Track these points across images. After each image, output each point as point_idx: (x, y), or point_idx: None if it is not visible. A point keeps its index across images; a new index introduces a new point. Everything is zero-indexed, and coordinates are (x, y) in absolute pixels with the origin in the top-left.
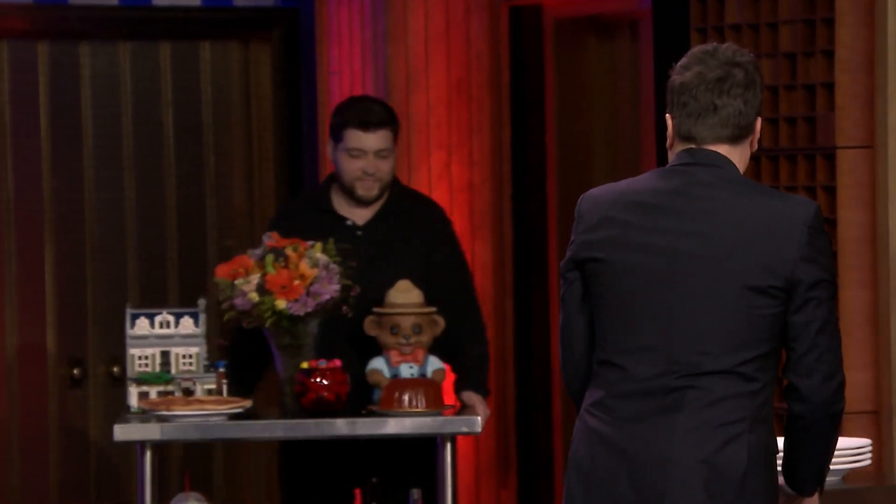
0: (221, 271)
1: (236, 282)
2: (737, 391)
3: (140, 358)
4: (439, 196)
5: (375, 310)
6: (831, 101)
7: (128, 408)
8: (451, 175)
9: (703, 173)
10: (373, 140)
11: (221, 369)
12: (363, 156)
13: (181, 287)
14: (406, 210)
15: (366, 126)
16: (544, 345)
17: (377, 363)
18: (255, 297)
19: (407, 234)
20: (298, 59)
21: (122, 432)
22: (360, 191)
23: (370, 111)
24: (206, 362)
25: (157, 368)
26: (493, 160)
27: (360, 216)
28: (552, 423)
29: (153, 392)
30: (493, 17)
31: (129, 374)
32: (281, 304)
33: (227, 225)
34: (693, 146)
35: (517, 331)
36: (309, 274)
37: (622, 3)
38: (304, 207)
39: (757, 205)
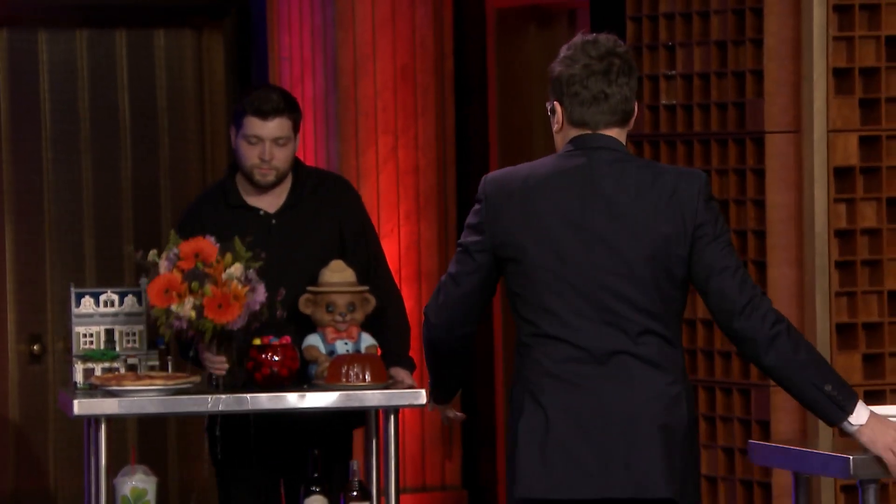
0: (154, 295)
1: (172, 307)
2: (666, 353)
3: (85, 336)
4: (386, 177)
5: (310, 288)
6: (760, 87)
7: (74, 384)
8: (398, 158)
9: (604, 154)
10: (269, 128)
11: (162, 346)
12: (260, 143)
13: (135, 266)
14: (313, 190)
15: (263, 114)
16: (486, 320)
17: (313, 339)
18: (192, 315)
19: (318, 213)
20: (250, 46)
21: (80, 407)
22: (257, 176)
23: (268, 99)
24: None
25: (102, 346)
26: (438, 144)
27: (270, 204)
28: (495, 397)
29: (98, 369)
30: (437, 6)
31: (75, 351)
32: (218, 326)
33: (180, 206)
34: (588, 131)
35: None
36: (240, 292)
37: None
38: (214, 204)
39: (656, 178)
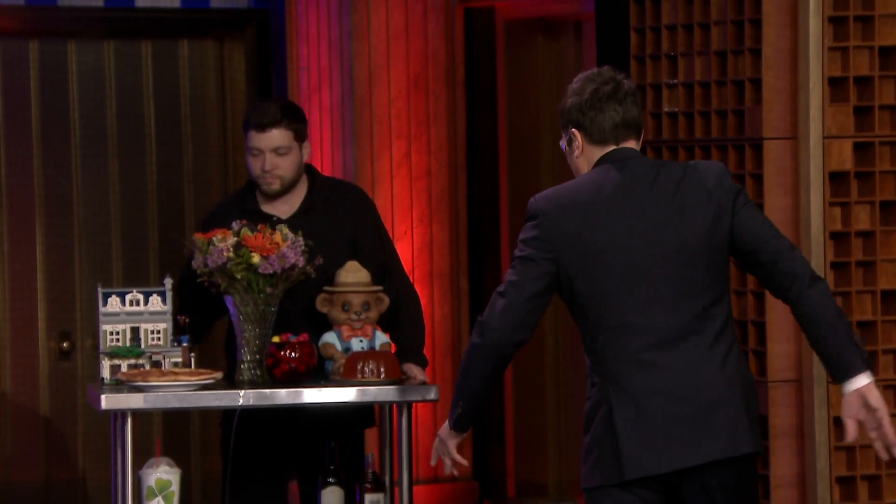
0: (199, 235)
1: (213, 238)
2: (726, 323)
3: (112, 333)
4: (400, 182)
5: (326, 288)
6: (758, 95)
7: (101, 380)
8: (411, 163)
9: (636, 161)
10: (266, 139)
11: (185, 344)
12: (261, 154)
13: (160, 266)
14: (326, 199)
15: (260, 127)
16: None
17: (329, 337)
18: (230, 253)
19: (331, 220)
20: (269, 56)
21: (108, 402)
22: (263, 186)
23: (265, 112)
24: (172, 337)
25: (128, 343)
26: (449, 149)
27: (283, 211)
28: (504, 392)
29: (124, 365)
30: (449, 18)
31: (102, 348)
32: (255, 258)
33: (203, 209)
34: (612, 146)
35: (471, 306)
36: (281, 242)
37: (567, 5)
38: (231, 209)
39: (685, 171)
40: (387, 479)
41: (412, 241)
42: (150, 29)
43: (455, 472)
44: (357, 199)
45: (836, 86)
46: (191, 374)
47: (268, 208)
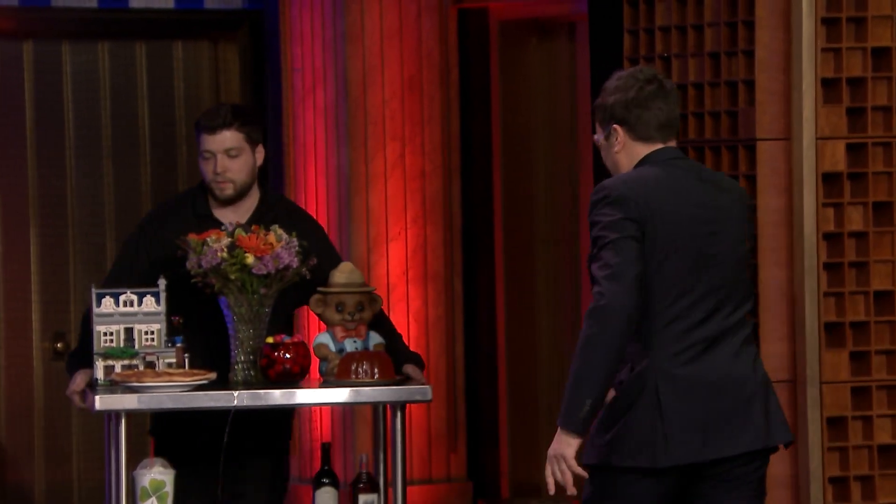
0: (193, 236)
1: (208, 239)
2: (750, 325)
3: (105, 334)
4: (394, 183)
5: (321, 289)
6: (751, 96)
7: (94, 381)
8: (405, 164)
9: (682, 163)
10: (218, 141)
11: (179, 344)
12: (212, 157)
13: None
14: (276, 215)
15: (210, 129)
16: (490, 320)
17: (323, 338)
18: (224, 254)
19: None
20: (264, 57)
21: (102, 402)
22: (216, 191)
23: (215, 115)
24: (165, 338)
25: (122, 344)
26: (443, 150)
27: (232, 219)
28: (498, 392)
29: (118, 366)
30: (443, 19)
31: (96, 349)
32: (250, 258)
33: None
34: (659, 145)
35: (465, 308)
36: (275, 243)
37: (561, 6)
38: (180, 212)
39: (720, 177)
40: (381, 479)
41: (406, 243)
42: (144, 30)
43: (574, 491)
44: (304, 216)
45: (829, 87)
46: (185, 374)
47: (219, 214)
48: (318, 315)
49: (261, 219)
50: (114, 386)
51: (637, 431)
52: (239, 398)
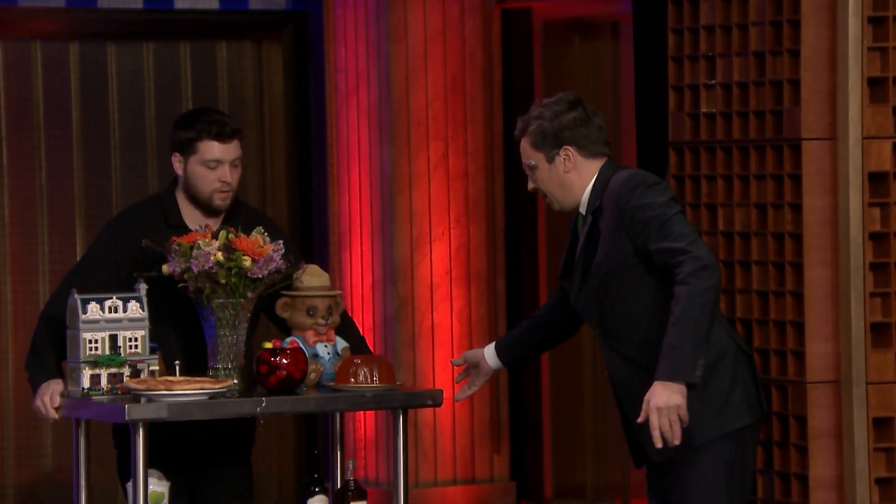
0: (182, 239)
1: (200, 242)
2: None
3: (91, 342)
4: (437, 183)
5: (287, 293)
6: (796, 96)
7: (82, 390)
8: (448, 164)
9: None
10: (229, 150)
11: (158, 352)
12: (220, 166)
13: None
14: (244, 225)
15: (222, 137)
16: None
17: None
18: (219, 256)
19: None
20: (307, 58)
21: (132, 412)
22: (217, 201)
23: (224, 123)
24: (151, 345)
25: (107, 351)
26: (486, 150)
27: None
28: (541, 392)
29: (104, 374)
30: (486, 19)
31: (82, 357)
32: (247, 262)
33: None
34: (605, 160)
35: (509, 306)
36: (266, 245)
37: (605, 6)
38: (148, 221)
39: None
40: (400, 483)
41: (449, 243)
42: (188, 30)
43: (678, 442)
44: (269, 224)
45: (875, 86)
46: (204, 382)
47: (192, 224)
48: (286, 319)
49: (230, 224)
50: (120, 394)
51: (737, 391)
52: (267, 405)
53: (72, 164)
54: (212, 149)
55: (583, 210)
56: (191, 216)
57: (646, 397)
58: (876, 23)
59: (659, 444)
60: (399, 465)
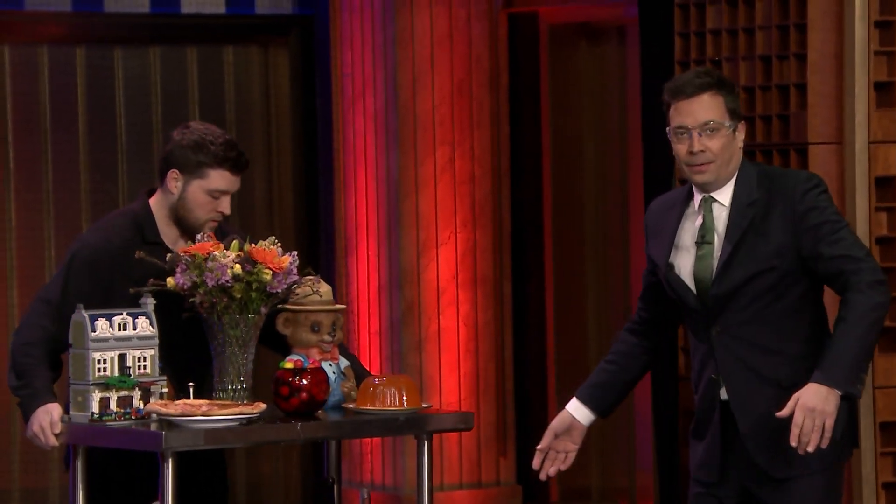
0: (193, 250)
1: (216, 253)
2: None
3: (100, 361)
4: (443, 187)
5: (290, 307)
6: (803, 100)
7: (91, 415)
8: (455, 168)
9: None
10: (236, 182)
11: (165, 374)
12: (223, 197)
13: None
14: (223, 236)
15: (236, 168)
16: (540, 324)
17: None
18: (237, 269)
19: None
20: (314, 62)
21: (170, 441)
22: (208, 228)
23: (241, 153)
24: (160, 364)
25: (115, 372)
26: (493, 155)
27: (180, 247)
28: (547, 396)
29: (114, 397)
30: (493, 24)
31: (91, 378)
32: (268, 275)
33: (248, 214)
34: None
35: (515, 311)
36: (283, 256)
37: (611, 10)
38: (125, 237)
39: None
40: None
41: (455, 247)
42: (195, 35)
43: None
44: (244, 239)
45: (882, 90)
46: (233, 406)
47: (170, 243)
48: (287, 336)
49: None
50: (132, 419)
51: (848, 426)
52: (303, 429)
53: (78, 168)
54: (223, 179)
55: (716, 194)
56: (168, 234)
57: (795, 395)
58: (883, 27)
59: (794, 443)
60: (423, 488)
